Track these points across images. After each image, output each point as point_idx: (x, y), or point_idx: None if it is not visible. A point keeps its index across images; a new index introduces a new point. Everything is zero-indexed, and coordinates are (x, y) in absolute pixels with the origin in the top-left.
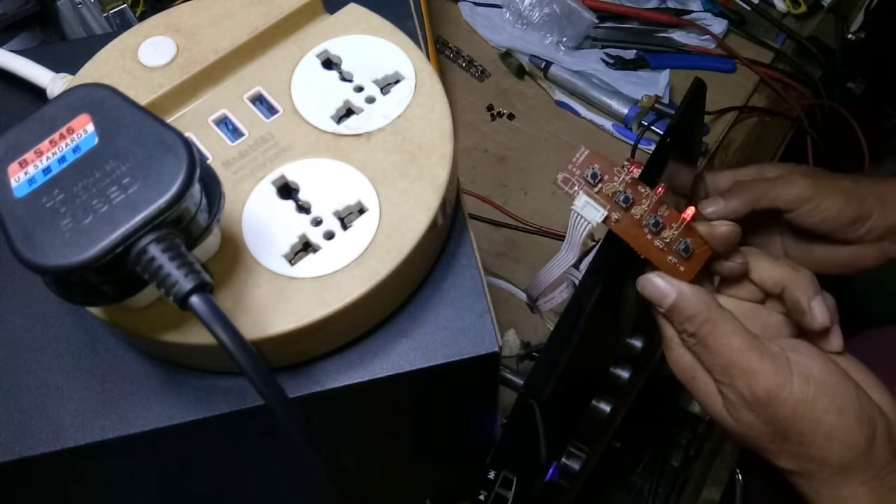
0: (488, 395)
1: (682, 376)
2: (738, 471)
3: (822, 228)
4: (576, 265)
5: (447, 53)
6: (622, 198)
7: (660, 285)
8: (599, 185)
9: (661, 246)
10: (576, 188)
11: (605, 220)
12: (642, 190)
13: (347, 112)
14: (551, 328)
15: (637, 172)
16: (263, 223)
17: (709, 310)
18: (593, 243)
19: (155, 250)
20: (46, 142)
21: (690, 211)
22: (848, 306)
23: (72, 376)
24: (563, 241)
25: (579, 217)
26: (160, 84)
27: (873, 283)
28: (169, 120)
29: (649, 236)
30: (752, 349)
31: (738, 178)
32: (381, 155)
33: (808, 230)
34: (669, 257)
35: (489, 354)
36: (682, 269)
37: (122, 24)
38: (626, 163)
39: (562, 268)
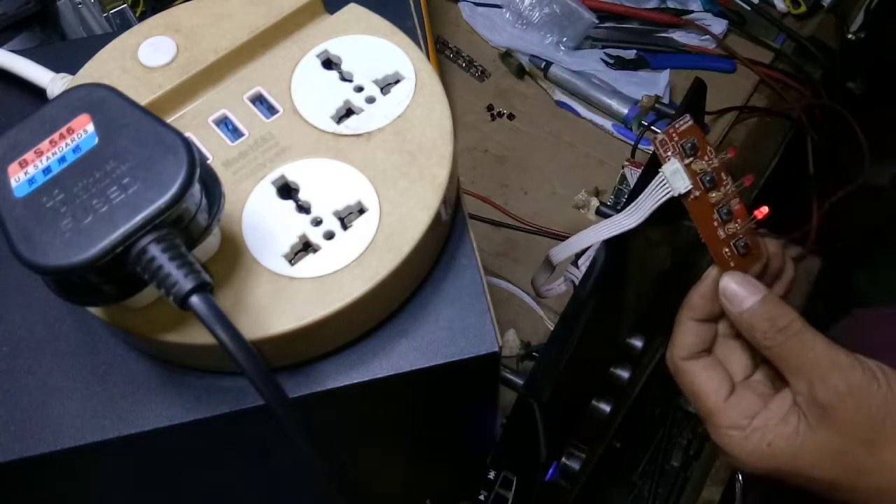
0: (488, 395)
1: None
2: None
3: None
4: (575, 264)
5: (447, 53)
6: (707, 178)
7: (740, 287)
8: (692, 159)
9: (723, 236)
10: (670, 153)
11: (685, 195)
12: (724, 177)
13: (347, 112)
14: (551, 328)
15: (733, 155)
16: (263, 223)
17: (791, 313)
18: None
19: (155, 250)
20: (46, 142)
21: (764, 210)
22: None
23: (72, 376)
24: (562, 240)
25: (665, 182)
26: (160, 84)
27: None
28: (169, 120)
29: (716, 223)
30: (834, 346)
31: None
32: (381, 155)
33: None
34: (725, 249)
35: (489, 354)
36: (732, 264)
37: (122, 24)
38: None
39: (615, 230)
